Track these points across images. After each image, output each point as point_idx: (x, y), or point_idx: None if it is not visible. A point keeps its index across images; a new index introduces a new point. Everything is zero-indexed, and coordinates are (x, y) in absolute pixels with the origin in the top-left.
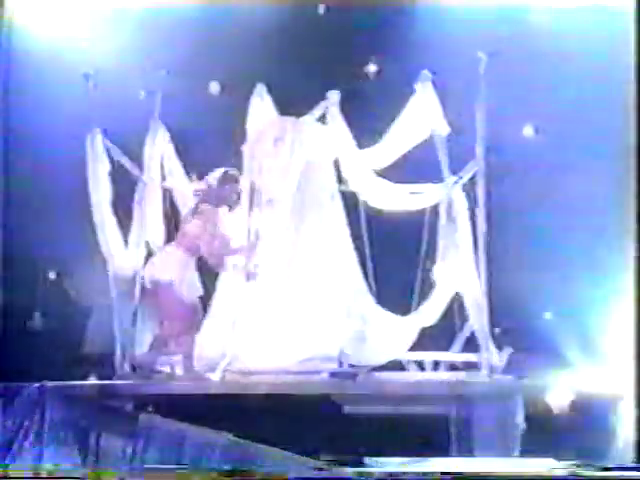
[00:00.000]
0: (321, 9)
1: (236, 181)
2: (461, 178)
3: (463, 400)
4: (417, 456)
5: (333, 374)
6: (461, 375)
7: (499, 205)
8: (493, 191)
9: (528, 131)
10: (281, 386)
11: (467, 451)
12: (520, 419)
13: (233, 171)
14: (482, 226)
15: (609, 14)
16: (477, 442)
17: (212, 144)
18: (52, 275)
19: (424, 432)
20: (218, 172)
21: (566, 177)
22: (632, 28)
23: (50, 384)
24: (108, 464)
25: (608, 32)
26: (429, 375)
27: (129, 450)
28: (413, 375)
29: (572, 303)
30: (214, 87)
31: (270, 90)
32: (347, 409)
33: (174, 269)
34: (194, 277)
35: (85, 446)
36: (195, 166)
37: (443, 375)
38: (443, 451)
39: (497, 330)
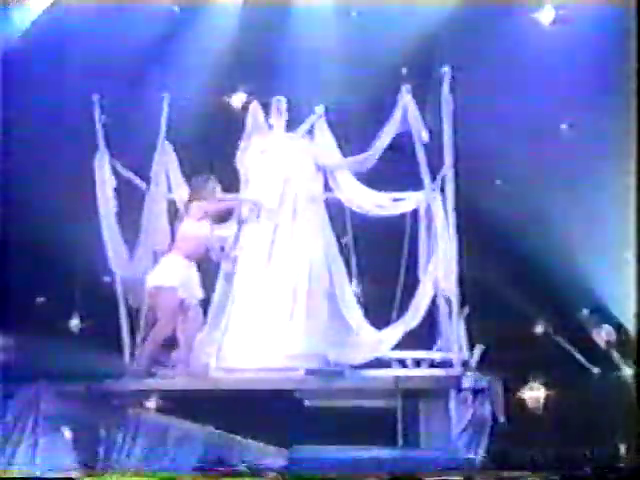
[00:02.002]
0: (353, 12)
1: (209, 181)
2: (436, 184)
3: (411, 394)
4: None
5: (317, 372)
6: (437, 372)
7: (477, 207)
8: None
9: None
10: (257, 383)
11: (413, 442)
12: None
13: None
14: (452, 229)
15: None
16: (422, 433)
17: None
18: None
19: (375, 424)
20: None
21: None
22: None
23: (45, 383)
24: (99, 456)
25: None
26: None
27: (119, 442)
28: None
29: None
30: (237, 99)
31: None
32: (307, 403)
33: (175, 275)
34: (194, 282)
35: (78, 441)
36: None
37: (402, 371)
38: (392, 441)
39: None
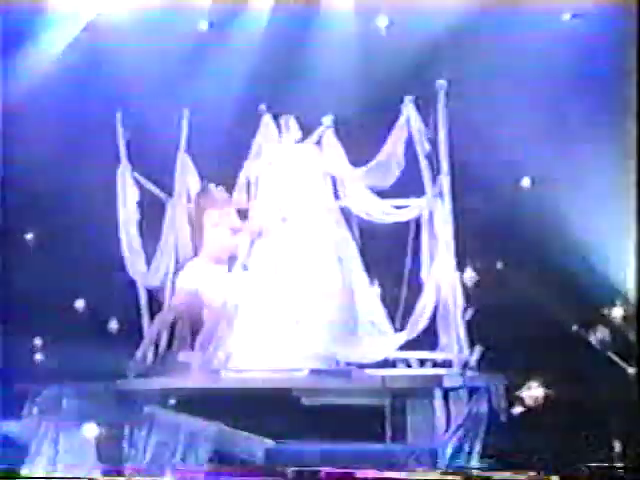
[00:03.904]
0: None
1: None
2: (440, 192)
3: (398, 393)
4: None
5: (322, 372)
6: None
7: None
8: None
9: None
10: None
11: (401, 437)
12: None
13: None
14: (449, 236)
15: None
16: (410, 430)
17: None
18: None
19: (366, 420)
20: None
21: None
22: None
23: (67, 383)
24: (117, 452)
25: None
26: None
27: (135, 438)
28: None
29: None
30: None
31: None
32: (305, 401)
33: (198, 279)
34: (218, 285)
35: (97, 438)
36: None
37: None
38: (379, 438)
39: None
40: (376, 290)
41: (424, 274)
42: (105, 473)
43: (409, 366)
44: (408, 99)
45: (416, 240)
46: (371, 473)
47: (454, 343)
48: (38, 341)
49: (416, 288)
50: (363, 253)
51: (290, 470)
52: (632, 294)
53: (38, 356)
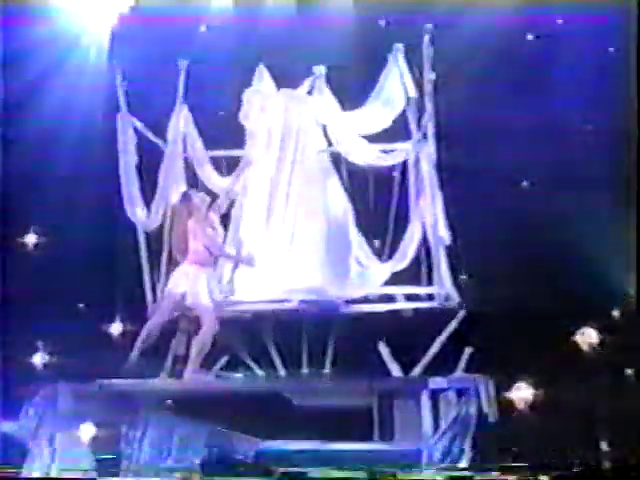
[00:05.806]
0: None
1: (190, 200)
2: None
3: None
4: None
5: (311, 303)
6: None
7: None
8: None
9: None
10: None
11: (389, 437)
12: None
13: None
14: (432, 175)
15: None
16: (397, 430)
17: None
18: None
19: (354, 421)
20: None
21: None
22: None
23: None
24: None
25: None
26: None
27: (130, 438)
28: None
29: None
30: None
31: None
32: (295, 402)
33: (183, 283)
34: (202, 289)
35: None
36: (213, 139)
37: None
38: (367, 437)
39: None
40: (364, 230)
41: (410, 213)
42: (101, 473)
43: (393, 301)
44: (397, 46)
45: (403, 183)
46: None
47: (437, 278)
48: (39, 342)
49: (402, 227)
50: (352, 196)
51: (280, 470)
52: (632, 295)
53: (38, 357)
